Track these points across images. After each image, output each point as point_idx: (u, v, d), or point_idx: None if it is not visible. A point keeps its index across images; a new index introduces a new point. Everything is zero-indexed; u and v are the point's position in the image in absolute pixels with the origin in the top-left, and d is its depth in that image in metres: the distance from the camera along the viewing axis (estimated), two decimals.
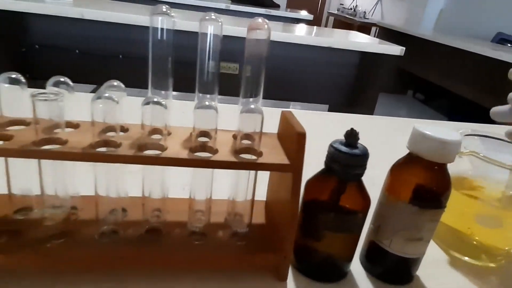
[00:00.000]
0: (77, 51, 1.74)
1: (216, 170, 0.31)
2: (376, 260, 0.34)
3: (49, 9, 1.56)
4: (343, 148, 0.30)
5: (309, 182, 0.32)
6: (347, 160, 0.30)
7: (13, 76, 0.28)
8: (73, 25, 1.63)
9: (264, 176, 0.35)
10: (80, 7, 1.56)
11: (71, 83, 0.30)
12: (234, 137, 0.32)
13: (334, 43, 1.78)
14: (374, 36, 3.57)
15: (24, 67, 1.74)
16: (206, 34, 0.30)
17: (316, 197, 0.32)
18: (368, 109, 1.91)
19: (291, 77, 1.84)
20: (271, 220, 0.35)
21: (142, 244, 0.31)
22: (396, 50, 1.82)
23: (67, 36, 1.67)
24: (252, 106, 0.29)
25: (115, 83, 0.30)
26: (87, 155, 0.26)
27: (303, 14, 3.15)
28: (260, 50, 0.31)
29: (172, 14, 0.29)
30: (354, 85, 1.96)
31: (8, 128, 0.28)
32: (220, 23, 0.30)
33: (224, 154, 0.29)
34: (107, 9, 1.64)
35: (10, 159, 0.30)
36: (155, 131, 0.30)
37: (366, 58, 1.88)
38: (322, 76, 1.92)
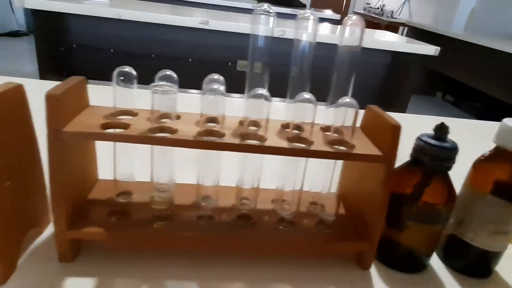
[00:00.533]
0: (111, 50, 1.80)
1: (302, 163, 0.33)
2: (456, 253, 0.35)
3: (88, 9, 1.61)
4: (433, 141, 0.31)
5: (394, 174, 0.33)
6: (438, 153, 0.31)
7: (126, 69, 0.31)
8: (109, 25, 1.68)
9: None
10: (116, 7, 1.61)
11: (175, 76, 0.32)
12: (322, 129, 0.34)
13: (365, 42, 1.76)
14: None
15: (62, 65, 1.81)
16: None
17: (401, 188, 0.33)
18: (399, 111, 1.89)
19: (319, 77, 1.85)
20: (352, 210, 0.36)
21: (234, 229, 0.33)
22: (431, 49, 1.80)
23: (103, 35, 1.73)
24: (348, 100, 0.30)
25: (216, 76, 0.32)
26: (199, 143, 0.28)
27: (329, 13, 3.14)
28: (353, 50, 0.32)
29: (271, 12, 0.31)
30: (385, 85, 1.94)
31: (120, 117, 0.31)
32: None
33: (320, 145, 0.30)
34: (141, 9, 1.69)
35: (117, 148, 0.32)
36: (251, 123, 0.32)
37: (398, 58, 1.86)
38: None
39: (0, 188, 0.26)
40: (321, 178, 0.35)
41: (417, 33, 3.45)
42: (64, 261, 0.31)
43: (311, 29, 0.32)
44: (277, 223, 0.34)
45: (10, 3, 3.43)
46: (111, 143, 0.30)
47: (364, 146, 0.31)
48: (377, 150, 0.31)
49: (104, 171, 0.37)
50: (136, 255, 0.32)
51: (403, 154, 0.33)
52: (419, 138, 0.32)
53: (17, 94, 0.28)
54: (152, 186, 0.33)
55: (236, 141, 0.29)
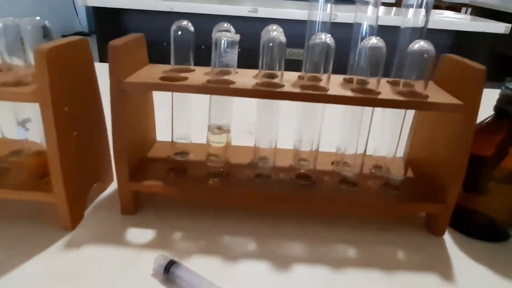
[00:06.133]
0: (164, 43, 1.87)
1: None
2: None
3: (142, 3, 1.68)
4: None
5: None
6: None
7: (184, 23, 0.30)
8: (160, 19, 1.74)
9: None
10: (168, 0, 1.66)
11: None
12: (389, 83, 0.31)
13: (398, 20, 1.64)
14: None
15: None
16: None
17: (480, 149, 0.29)
18: None
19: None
20: (422, 173, 0.33)
21: (293, 187, 0.31)
22: (500, 27, 1.63)
23: (155, 30, 1.80)
24: (422, 43, 0.27)
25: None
26: (258, 92, 0.27)
27: None
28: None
29: None
30: None
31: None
32: None
33: (388, 95, 0.28)
34: (190, 0, 1.73)
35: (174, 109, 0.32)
36: (311, 78, 0.30)
37: (460, 39, 1.70)
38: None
39: (68, 137, 0.27)
40: (386, 141, 0.32)
41: (483, 14, 3.14)
42: (126, 213, 0.31)
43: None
44: (339, 183, 0.32)
45: (74, 6, 3.70)
46: (169, 104, 0.31)
47: (440, 96, 0.28)
48: (456, 100, 0.27)
49: (162, 134, 0.38)
50: (193, 211, 0.32)
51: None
52: (506, 87, 0.28)
53: (83, 47, 0.29)
54: (208, 147, 0.32)
55: (296, 90, 0.27)
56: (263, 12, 1.64)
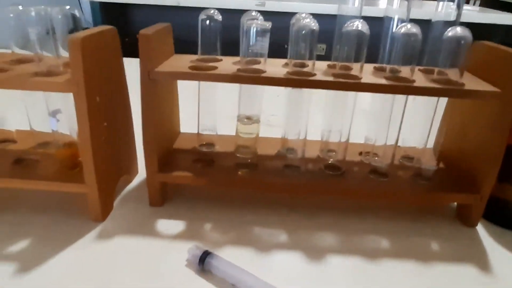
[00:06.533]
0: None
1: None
2: None
3: None
4: None
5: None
6: None
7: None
8: (167, 14, 1.73)
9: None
10: None
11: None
12: (423, 71, 0.30)
13: (429, 14, 1.62)
14: None
15: (129, 55, 1.92)
16: None
17: None
18: None
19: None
20: (454, 164, 0.32)
21: (323, 177, 0.31)
22: (510, 19, 1.60)
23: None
24: (458, 30, 0.27)
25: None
26: (290, 81, 0.27)
27: None
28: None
29: None
30: None
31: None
32: None
33: (423, 82, 0.27)
34: None
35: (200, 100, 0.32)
36: (342, 67, 0.29)
37: (470, 31, 1.68)
38: None
39: (99, 128, 0.27)
40: (416, 132, 0.32)
41: (492, 5, 3.09)
42: (154, 205, 0.31)
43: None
44: (369, 173, 0.31)
45: (79, 1, 3.70)
46: (191, 96, 0.30)
47: (476, 84, 0.27)
48: (494, 87, 0.27)
49: (185, 126, 0.37)
50: (220, 202, 0.32)
51: None
52: None
53: (112, 36, 0.28)
54: (235, 139, 0.32)
55: (329, 79, 0.27)
56: (271, 5, 1.63)
